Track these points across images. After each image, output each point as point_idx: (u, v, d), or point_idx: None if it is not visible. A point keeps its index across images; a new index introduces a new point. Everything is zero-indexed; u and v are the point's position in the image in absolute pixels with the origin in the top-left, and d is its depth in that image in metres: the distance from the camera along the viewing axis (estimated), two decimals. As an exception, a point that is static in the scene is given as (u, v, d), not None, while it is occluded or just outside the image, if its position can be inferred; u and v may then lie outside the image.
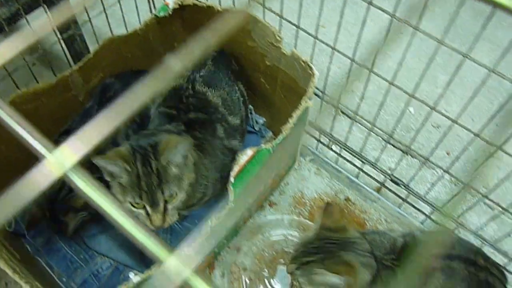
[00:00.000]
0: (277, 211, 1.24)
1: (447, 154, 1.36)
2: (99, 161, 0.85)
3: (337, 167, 1.29)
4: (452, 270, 0.90)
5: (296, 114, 0.94)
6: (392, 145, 1.37)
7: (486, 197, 1.02)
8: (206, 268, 1.15)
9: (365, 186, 1.26)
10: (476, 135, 0.94)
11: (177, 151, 0.88)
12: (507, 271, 1.13)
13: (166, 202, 0.89)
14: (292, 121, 0.93)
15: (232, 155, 1.06)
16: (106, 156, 0.86)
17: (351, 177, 1.27)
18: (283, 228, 1.21)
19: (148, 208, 0.88)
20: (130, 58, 1.19)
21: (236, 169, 0.88)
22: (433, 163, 1.13)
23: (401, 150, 1.36)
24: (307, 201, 1.27)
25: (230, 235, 1.10)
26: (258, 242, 1.19)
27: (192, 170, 0.94)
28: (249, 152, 0.90)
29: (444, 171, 1.07)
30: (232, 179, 0.87)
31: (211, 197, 1.06)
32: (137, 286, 0.76)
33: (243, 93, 1.17)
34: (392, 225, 1.22)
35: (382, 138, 1.37)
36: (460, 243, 0.95)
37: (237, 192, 0.88)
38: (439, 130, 1.41)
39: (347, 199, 1.27)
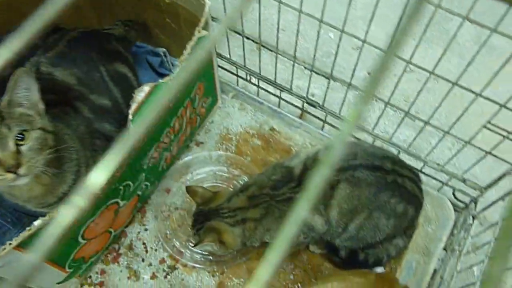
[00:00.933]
0: (204, 149, 1.26)
1: (368, 74, 1.38)
2: None
3: (259, 99, 1.30)
4: (357, 179, 0.94)
5: (189, 45, 0.94)
6: (315, 72, 1.38)
7: (407, 113, 1.05)
8: (137, 212, 1.17)
9: (288, 114, 1.28)
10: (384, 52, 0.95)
11: (18, 86, 0.80)
12: (423, 173, 1.18)
13: (18, 144, 0.79)
14: (186, 52, 0.93)
15: (107, 141, 1.01)
16: None
17: (273, 107, 1.29)
18: (211, 165, 1.23)
19: None
20: None
21: (134, 106, 0.89)
22: (354, 85, 1.15)
23: (323, 76, 1.37)
24: (233, 136, 1.28)
25: (154, 177, 1.11)
26: (188, 181, 1.21)
27: (47, 120, 0.86)
28: (146, 89, 0.90)
29: (360, 90, 1.08)
30: (130, 117, 0.88)
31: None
32: (39, 229, 0.78)
33: (123, 74, 1.11)
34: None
35: (305, 67, 1.38)
36: (366, 151, 0.98)
37: (138, 129, 0.89)
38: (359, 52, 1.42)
39: (272, 129, 1.29)
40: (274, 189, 0.97)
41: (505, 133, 0.94)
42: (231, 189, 1.15)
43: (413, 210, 1.00)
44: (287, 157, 1.06)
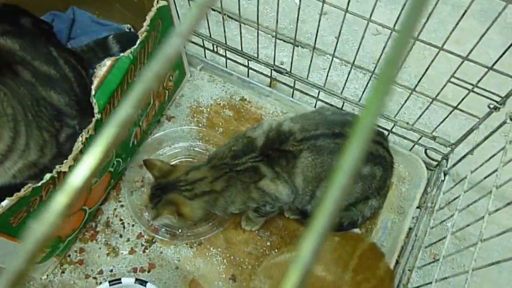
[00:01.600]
0: (176, 123, 1.26)
1: (335, 38, 1.38)
2: None
3: (228, 70, 1.29)
4: (319, 147, 0.95)
5: (149, 16, 0.93)
6: (282, 40, 1.37)
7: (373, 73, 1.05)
8: (112, 189, 1.17)
9: (258, 84, 1.28)
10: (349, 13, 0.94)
11: None
12: (394, 133, 1.19)
13: None
14: (146, 23, 0.92)
15: (55, 112, 0.99)
16: None
17: (242, 77, 1.28)
18: (184, 140, 1.23)
19: None
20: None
21: (96, 81, 0.88)
22: (321, 50, 1.15)
23: (290, 43, 1.37)
24: (204, 108, 1.28)
25: (125, 153, 1.11)
26: (161, 157, 1.21)
27: None
28: (107, 63, 0.90)
29: (331, 55, 1.08)
30: (93, 91, 0.87)
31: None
32: (8, 209, 0.77)
33: (73, 63, 1.09)
34: (288, 115, 1.25)
35: (272, 35, 1.38)
36: (327, 120, 0.98)
37: (102, 104, 0.89)
38: (326, 17, 1.42)
39: (242, 99, 1.29)
40: (234, 159, 0.97)
41: (470, 87, 0.95)
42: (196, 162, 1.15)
43: (380, 171, 1.02)
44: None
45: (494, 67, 0.86)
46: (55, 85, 1.00)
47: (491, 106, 0.92)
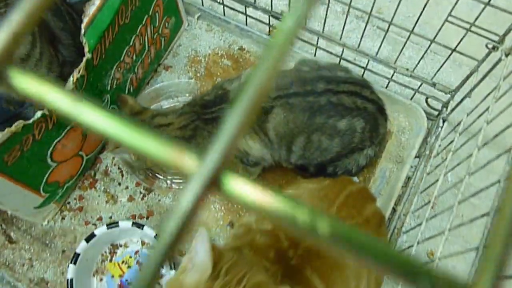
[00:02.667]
0: (173, 73, 1.25)
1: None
2: None
3: (226, 19, 1.28)
4: (291, 105, 0.95)
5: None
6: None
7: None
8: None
9: (256, 32, 1.26)
10: None
11: None
12: (394, 81, 1.17)
13: None
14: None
15: (51, 35, 0.99)
16: None
17: (241, 25, 1.27)
18: (182, 90, 1.22)
19: None
20: None
21: (86, 20, 0.87)
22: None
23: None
24: (202, 58, 1.27)
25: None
26: (159, 106, 1.21)
27: None
28: (96, 2, 0.89)
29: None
30: (83, 30, 0.87)
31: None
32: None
33: None
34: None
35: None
36: (300, 78, 0.97)
37: (92, 43, 0.88)
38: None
39: (241, 48, 1.27)
40: (204, 108, 0.98)
41: (468, 26, 0.92)
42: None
43: (361, 123, 0.99)
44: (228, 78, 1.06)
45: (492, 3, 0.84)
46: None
47: (489, 45, 0.89)
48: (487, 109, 0.79)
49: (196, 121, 0.97)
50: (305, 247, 0.75)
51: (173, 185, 1.14)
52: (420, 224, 0.89)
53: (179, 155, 0.18)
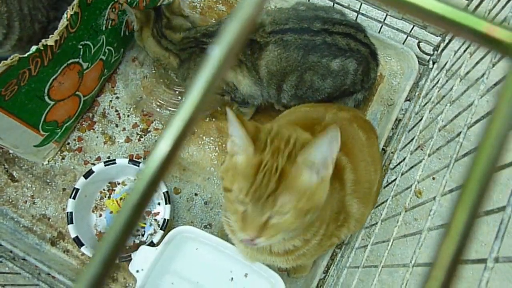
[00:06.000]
0: (169, 18, 1.27)
1: None
2: None
3: (220, -36, 1.28)
4: (286, 42, 0.96)
5: None
6: None
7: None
8: (107, 82, 1.21)
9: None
10: None
11: None
12: (386, 25, 1.19)
13: None
14: None
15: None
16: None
17: (235, -30, 1.27)
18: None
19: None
20: None
21: (78, -43, 0.89)
22: None
23: None
24: (197, 3, 1.28)
25: (117, 42, 1.13)
26: (154, 50, 1.23)
27: None
28: None
29: None
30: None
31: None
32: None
33: None
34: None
35: None
36: (298, 16, 0.99)
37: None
38: None
39: (235, -6, 1.28)
40: (204, 37, 1.02)
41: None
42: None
43: (354, 65, 1.01)
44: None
45: None
46: None
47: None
48: (469, 46, 0.81)
49: (194, 48, 1.02)
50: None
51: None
52: (404, 159, 0.93)
53: None
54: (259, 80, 1.00)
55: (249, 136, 0.61)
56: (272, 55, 0.97)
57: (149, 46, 1.08)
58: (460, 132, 0.63)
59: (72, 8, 0.89)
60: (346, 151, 0.78)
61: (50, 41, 0.86)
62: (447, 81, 0.93)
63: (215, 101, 1.15)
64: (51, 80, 0.96)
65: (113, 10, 1.04)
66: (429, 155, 0.75)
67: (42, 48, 0.86)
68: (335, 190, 0.74)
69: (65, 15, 0.89)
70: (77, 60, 1.00)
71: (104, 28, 1.04)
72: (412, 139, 0.94)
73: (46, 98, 0.98)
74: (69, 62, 0.98)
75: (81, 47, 0.99)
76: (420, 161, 0.79)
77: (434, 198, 0.60)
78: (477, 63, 0.74)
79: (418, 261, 0.61)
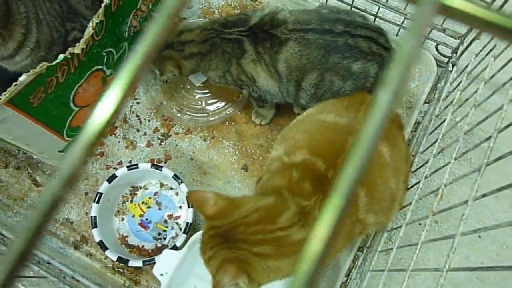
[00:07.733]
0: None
1: None
2: None
3: (238, -31, 1.29)
4: (307, 40, 0.97)
5: None
6: None
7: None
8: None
9: (268, -18, 1.28)
10: None
11: None
12: (404, 27, 1.19)
13: None
14: None
15: (71, 13, 1.03)
16: None
17: (253, -24, 1.29)
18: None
19: None
20: None
21: (103, -35, 0.90)
22: None
23: None
24: (215, 9, 1.30)
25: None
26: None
27: None
28: None
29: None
30: (100, -24, 0.90)
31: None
32: (26, 85, 0.83)
33: None
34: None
35: None
36: (320, 17, 0.99)
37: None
38: None
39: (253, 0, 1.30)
40: (224, 27, 1.03)
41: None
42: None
43: (375, 68, 1.01)
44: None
45: None
46: None
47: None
48: (494, 46, 0.81)
49: (215, 38, 1.03)
50: (342, 161, 0.78)
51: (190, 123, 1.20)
52: (427, 161, 0.93)
53: None
54: (277, 74, 1.01)
55: None
56: (292, 51, 0.98)
57: (187, 70, 1.12)
58: (490, 137, 0.64)
59: (98, 17, 0.90)
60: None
61: (77, 50, 0.88)
62: (469, 84, 0.93)
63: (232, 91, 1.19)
64: (76, 87, 0.98)
65: (135, 17, 1.06)
66: (455, 159, 0.76)
67: (69, 56, 0.87)
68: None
69: (90, 24, 0.90)
70: (101, 67, 1.02)
71: (126, 35, 1.05)
72: (435, 142, 0.95)
73: (71, 104, 1.00)
74: (93, 69, 1.00)
75: (105, 54, 1.01)
76: (446, 165, 0.79)
77: (465, 202, 0.61)
78: (504, 66, 0.75)
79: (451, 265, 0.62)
